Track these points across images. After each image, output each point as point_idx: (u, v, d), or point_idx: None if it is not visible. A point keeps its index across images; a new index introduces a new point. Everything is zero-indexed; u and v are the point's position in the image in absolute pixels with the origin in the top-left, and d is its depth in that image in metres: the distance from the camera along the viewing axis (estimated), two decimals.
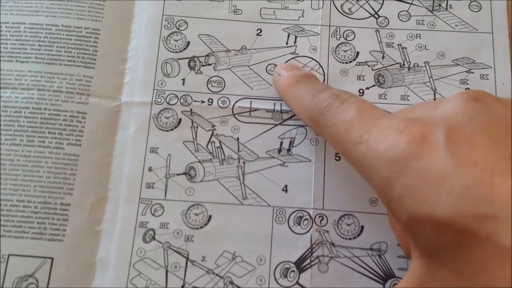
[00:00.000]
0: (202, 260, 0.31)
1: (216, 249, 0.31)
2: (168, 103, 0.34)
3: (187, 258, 0.31)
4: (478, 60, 0.35)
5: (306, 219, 0.32)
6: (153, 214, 0.32)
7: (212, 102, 0.34)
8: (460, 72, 0.35)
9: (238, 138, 0.33)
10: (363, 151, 0.21)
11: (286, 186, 0.33)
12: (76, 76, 0.34)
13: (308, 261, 0.31)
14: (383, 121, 0.21)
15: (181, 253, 0.31)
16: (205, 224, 0.32)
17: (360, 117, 0.22)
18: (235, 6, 0.36)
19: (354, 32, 0.36)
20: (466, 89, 0.34)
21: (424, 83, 0.35)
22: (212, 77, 0.35)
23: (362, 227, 0.32)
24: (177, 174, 0.33)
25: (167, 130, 0.34)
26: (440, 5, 0.36)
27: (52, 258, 0.31)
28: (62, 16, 0.36)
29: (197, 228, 0.32)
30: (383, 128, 0.21)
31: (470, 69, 0.35)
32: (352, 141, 0.22)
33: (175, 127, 0.34)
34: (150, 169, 0.33)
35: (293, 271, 0.31)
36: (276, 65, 0.35)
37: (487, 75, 0.35)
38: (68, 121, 0.33)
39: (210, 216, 0.32)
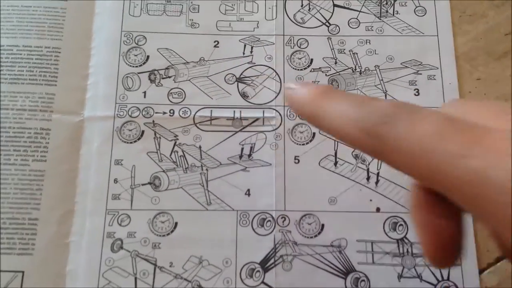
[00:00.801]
0: (170, 266, 0.33)
1: (183, 255, 0.33)
2: (130, 116, 0.36)
3: (155, 265, 0.33)
4: (425, 62, 0.38)
5: (269, 220, 0.34)
6: (120, 224, 0.34)
7: (173, 113, 0.36)
8: (408, 74, 0.38)
9: (200, 146, 0.36)
10: (476, 167, 0.17)
11: (248, 190, 0.35)
12: (38, 94, 0.36)
13: (272, 260, 0.33)
14: (492, 138, 0.18)
15: (149, 260, 0.33)
16: (172, 231, 0.34)
17: (455, 127, 0.19)
18: (192, 19, 0.39)
19: (307, 40, 0.38)
20: (415, 89, 0.37)
21: (375, 85, 0.37)
22: (172, 89, 0.37)
23: (323, 225, 0.34)
24: (142, 184, 0.35)
25: (131, 142, 0.35)
26: (387, 12, 0.39)
27: (23, 272, 0.32)
28: (23, 36, 0.37)
29: (163, 235, 0.34)
30: (501, 141, 0.17)
31: (418, 71, 0.38)
32: (452, 155, 0.18)
33: (138, 138, 0.36)
34: (115, 181, 0.35)
35: (258, 271, 0.33)
36: (234, 75, 0.37)
37: (434, 75, 0.38)
38: (33, 138, 0.35)
39: (176, 223, 0.34)
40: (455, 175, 0.18)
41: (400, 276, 0.33)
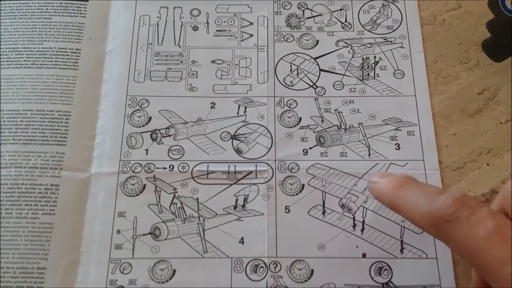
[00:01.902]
0: None
1: None
2: (133, 171, 0.40)
3: None
4: (404, 119, 0.42)
5: (262, 266, 0.37)
6: (122, 272, 0.37)
7: (173, 168, 0.41)
8: (389, 130, 0.42)
9: (197, 198, 0.40)
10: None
11: (242, 238, 0.38)
12: (49, 153, 0.41)
13: None
14: None
15: None
16: (170, 278, 0.37)
17: (502, 235, 0.22)
18: (191, 84, 0.44)
19: (296, 101, 0.43)
20: (396, 144, 0.41)
21: (359, 141, 0.42)
22: (172, 146, 0.41)
23: (312, 271, 0.37)
24: (143, 234, 0.38)
25: (133, 196, 0.40)
26: (368, 75, 0.44)
27: None
28: (37, 102, 0.42)
29: (162, 282, 0.37)
30: None
31: (398, 127, 0.42)
32: (496, 261, 0.22)
33: (140, 192, 0.40)
34: (118, 232, 0.38)
35: None
36: (229, 132, 0.42)
37: (413, 131, 0.42)
38: (43, 193, 0.39)
39: (174, 271, 0.37)
40: (498, 277, 0.22)
41: None
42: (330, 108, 0.43)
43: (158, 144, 0.41)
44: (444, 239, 0.25)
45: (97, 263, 0.37)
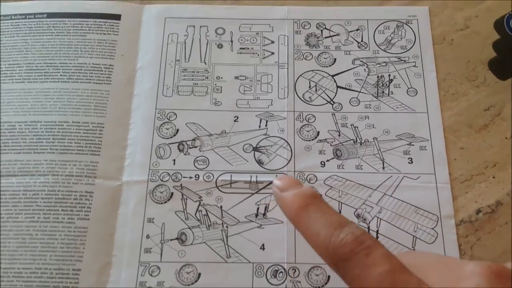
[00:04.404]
0: None
1: None
2: (161, 180, 0.43)
3: None
4: (417, 135, 0.44)
5: (281, 272, 0.39)
6: (150, 275, 0.39)
7: (198, 177, 0.43)
8: (402, 145, 0.44)
9: (221, 206, 0.42)
10: None
11: (263, 244, 0.40)
12: (84, 162, 0.43)
13: None
14: None
15: None
16: (195, 281, 0.39)
17: (393, 280, 0.22)
18: (216, 99, 0.46)
19: (314, 116, 0.45)
20: (408, 158, 0.43)
21: (374, 154, 0.44)
22: (198, 157, 0.44)
23: (329, 277, 0.39)
24: (171, 239, 0.41)
25: (161, 203, 0.42)
26: (383, 92, 0.46)
27: None
28: (72, 114, 0.45)
29: (188, 285, 0.39)
30: None
31: (411, 142, 0.44)
32: None
33: (168, 199, 0.42)
34: (147, 237, 0.41)
35: None
36: (251, 144, 0.44)
37: (425, 146, 0.44)
38: (78, 199, 0.42)
39: (199, 274, 0.39)
40: None
41: None
42: (346, 123, 0.45)
43: (184, 154, 0.43)
44: (341, 277, 0.24)
45: (128, 265, 0.39)
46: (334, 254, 0.24)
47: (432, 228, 0.40)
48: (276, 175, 0.42)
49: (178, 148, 0.44)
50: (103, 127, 0.44)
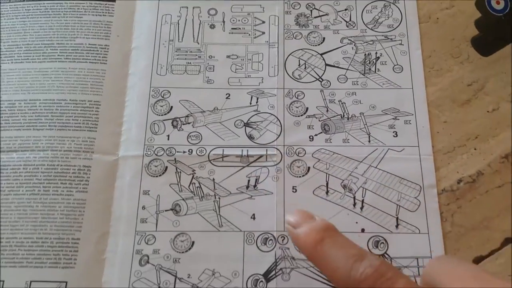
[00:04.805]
0: (188, 277, 0.40)
1: (199, 268, 0.40)
2: (156, 155, 0.44)
3: (176, 276, 0.40)
4: (402, 109, 0.46)
5: (271, 239, 0.41)
6: (146, 243, 0.41)
7: (191, 152, 0.44)
8: (388, 119, 0.46)
9: (213, 179, 0.43)
10: None
11: (253, 214, 0.42)
12: (82, 138, 0.45)
13: (273, 272, 0.40)
14: None
15: (170, 272, 0.40)
16: (189, 249, 0.41)
17: None
18: (208, 77, 0.48)
19: (303, 93, 0.47)
20: (393, 132, 0.45)
21: (360, 129, 0.45)
22: (191, 132, 0.45)
23: None
24: (165, 210, 0.42)
25: (156, 176, 0.44)
26: (370, 69, 0.48)
27: (66, 282, 0.39)
28: (70, 92, 0.46)
29: (183, 252, 0.41)
30: None
31: (396, 117, 0.46)
32: None
33: (163, 173, 0.44)
34: (143, 208, 0.42)
35: (261, 281, 0.40)
36: (242, 120, 0.46)
37: (410, 120, 0.45)
38: (76, 173, 0.43)
39: (193, 242, 0.41)
40: None
41: None
42: (334, 99, 0.46)
43: (178, 130, 0.45)
44: None
45: (125, 235, 0.41)
46: (352, 286, 0.23)
47: (415, 197, 0.42)
48: (267, 149, 0.44)
49: (172, 124, 0.45)
50: (100, 105, 0.46)
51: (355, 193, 0.42)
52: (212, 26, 0.50)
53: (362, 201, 0.42)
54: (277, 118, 0.45)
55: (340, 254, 0.25)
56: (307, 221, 0.29)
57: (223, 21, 0.50)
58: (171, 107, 0.46)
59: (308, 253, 0.28)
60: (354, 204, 0.42)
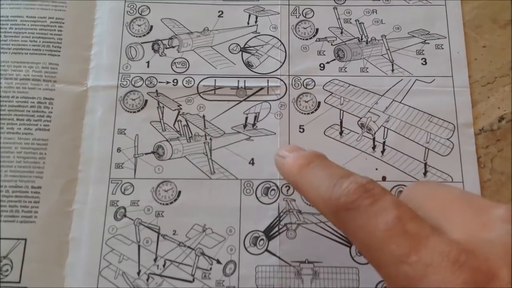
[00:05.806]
0: (173, 234, 0.33)
1: (186, 223, 0.34)
2: (133, 86, 0.36)
3: (158, 233, 0.33)
4: (432, 31, 0.38)
5: (273, 189, 0.34)
6: (123, 193, 0.34)
7: (177, 82, 0.37)
8: (416, 43, 0.38)
9: (204, 116, 0.36)
10: (407, 273, 0.18)
11: (252, 159, 0.35)
12: (42, 64, 0.37)
13: (276, 229, 0.33)
14: (434, 242, 0.18)
15: (152, 228, 0.33)
16: (175, 200, 0.34)
17: (401, 228, 0.19)
18: None
19: (313, 10, 0.39)
20: (422, 59, 0.37)
21: (382, 55, 0.38)
22: (176, 58, 0.37)
23: None
24: (146, 153, 0.35)
25: (134, 112, 0.36)
26: None
27: (26, 239, 0.33)
28: (27, 7, 0.38)
29: (167, 204, 0.34)
30: (435, 254, 0.18)
31: (426, 40, 0.38)
32: (392, 257, 0.19)
33: (142, 108, 0.36)
34: (118, 150, 0.35)
35: (262, 239, 0.33)
36: (238, 44, 0.37)
37: (442, 45, 0.38)
38: (36, 107, 0.36)
39: (179, 192, 0.34)
40: (392, 276, 0.19)
41: None
42: (350, 19, 0.38)
43: (160, 56, 0.37)
44: (343, 229, 0.22)
45: (96, 182, 0.34)
46: (335, 203, 0.22)
47: (447, 139, 0.35)
48: (268, 80, 0.36)
49: (153, 48, 0.37)
50: (63, 23, 0.38)
51: (375, 133, 0.35)
52: None
53: (384, 143, 0.35)
54: (280, 41, 0.38)
55: (325, 173, 0.24)
56: (297, 151, 0.27)
57: None
58: (151, 26, 0.38)
59: (292, 178, 0.26)
60: (374, 147, 0.35)
